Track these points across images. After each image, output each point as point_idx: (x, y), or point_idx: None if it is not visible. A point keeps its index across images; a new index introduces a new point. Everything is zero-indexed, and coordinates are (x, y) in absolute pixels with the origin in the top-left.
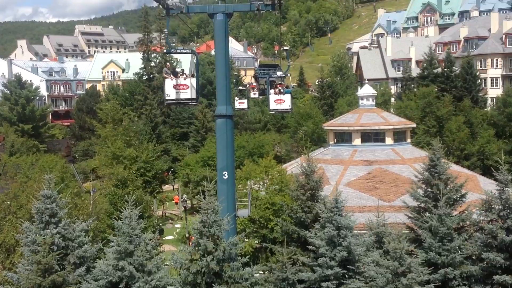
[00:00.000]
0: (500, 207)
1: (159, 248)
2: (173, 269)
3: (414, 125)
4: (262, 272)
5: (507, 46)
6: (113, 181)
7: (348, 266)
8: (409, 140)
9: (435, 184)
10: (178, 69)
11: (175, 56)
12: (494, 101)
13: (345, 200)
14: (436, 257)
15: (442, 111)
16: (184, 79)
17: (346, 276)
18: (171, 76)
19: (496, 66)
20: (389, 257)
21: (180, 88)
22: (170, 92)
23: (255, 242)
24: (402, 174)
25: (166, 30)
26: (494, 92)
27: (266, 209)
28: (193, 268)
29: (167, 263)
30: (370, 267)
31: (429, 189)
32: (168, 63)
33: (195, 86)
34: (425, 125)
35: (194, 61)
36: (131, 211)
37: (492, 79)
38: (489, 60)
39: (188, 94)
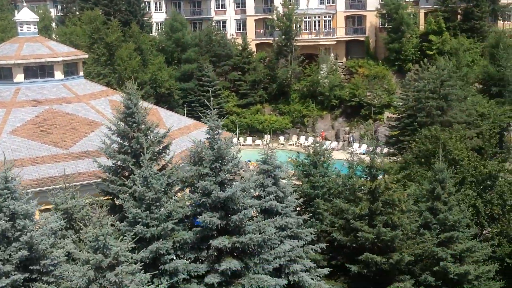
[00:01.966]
0: (212, 158)
1: None
2: None
3: (86, 56)
4: None
5: None
6: None
7: (31, 267)
8: (81, 73)
9: (134, 137)
10: None
11: None
12: (160, 26)
13: (19, 176)
14: (144, 230)
15: (111, 37)
16: None
17: (29, 280)
18: None
19: None
20: (88, 246)
21: None
22: None
23: None
24: (78, 114)
25: None
26: (158, 17)
27: None
28: None
29: None
30: (63, 265)
31: (126, 143)
32: None
33: None
34: (94, 53)
35: None
36: None
37: (155, 2)
38: None
39: None
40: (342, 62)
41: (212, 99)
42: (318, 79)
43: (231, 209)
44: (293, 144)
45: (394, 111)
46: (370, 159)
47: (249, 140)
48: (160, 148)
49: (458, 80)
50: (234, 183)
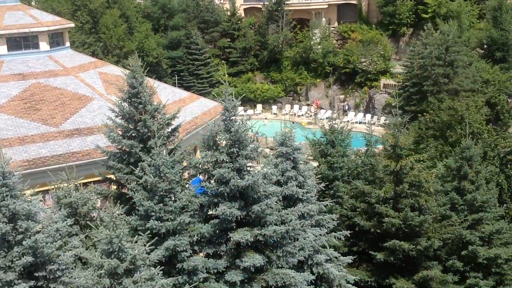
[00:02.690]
0: (229, 142)
1: None
2: None
3: (72, 25)
4: None
5: None
6: None
7: (36, 274)
8: (68, 44)
9: (140, 119)
10: None
11: None
12: None
13: (18, 172)
14: (158, 225)
15: (95, 4)
16: None
17: None
18: None
19: None
20: (100, 249)
21: None
22: None
23: None
24: (67, 88)
25: None
26: None
27: None
28: None
29: None
30: (71, 270)
31: (131, 127)
32: None
33: None
34: (78, 21)
35: None
36: None
37: None
38: None
39: None
40: (334, 27)
41: (225, 74)
42: (311, 45)
43: (251, 198)
44: (287, 114)
45: (390, 77)
46: (394, 136)
47: (240, 109)
48: (169, 131)
49: (462, 45)
50: (251, 169)
